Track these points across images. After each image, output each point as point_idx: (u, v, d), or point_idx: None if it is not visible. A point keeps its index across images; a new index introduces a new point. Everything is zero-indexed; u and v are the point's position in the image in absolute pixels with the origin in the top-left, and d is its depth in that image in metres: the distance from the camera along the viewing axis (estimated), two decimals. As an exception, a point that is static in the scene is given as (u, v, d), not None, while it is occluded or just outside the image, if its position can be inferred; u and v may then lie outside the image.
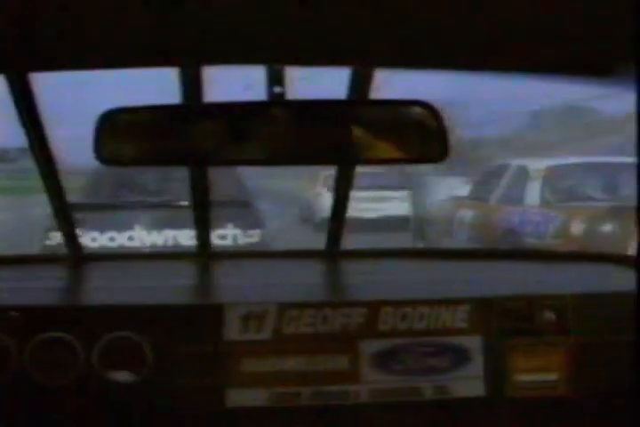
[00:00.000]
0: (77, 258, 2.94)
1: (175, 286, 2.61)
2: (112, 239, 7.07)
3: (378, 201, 17.73)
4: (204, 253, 3.04)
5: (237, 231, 7.05)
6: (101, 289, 2.60)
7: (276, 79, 2.03)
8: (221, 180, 6.74)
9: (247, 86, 2.33)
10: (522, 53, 1.75)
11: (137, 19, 1.53)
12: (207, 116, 2.06)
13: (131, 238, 7.14)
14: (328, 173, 16.35)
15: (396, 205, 17.35)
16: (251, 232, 7.11)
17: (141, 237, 7.14)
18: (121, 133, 2.01)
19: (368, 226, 15.60)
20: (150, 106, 2.04)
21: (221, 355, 2.24)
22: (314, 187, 18.75)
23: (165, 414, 2.26)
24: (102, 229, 7.06)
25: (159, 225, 7.14)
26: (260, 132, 2.01)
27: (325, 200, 15.72)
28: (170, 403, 2.24)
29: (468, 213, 11.02)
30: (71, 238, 2.89)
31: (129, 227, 7.14)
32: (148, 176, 7.80)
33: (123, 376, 2.20)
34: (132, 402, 2.23)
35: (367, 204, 16.73)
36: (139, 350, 2.20)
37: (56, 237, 6.55)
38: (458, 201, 11.58)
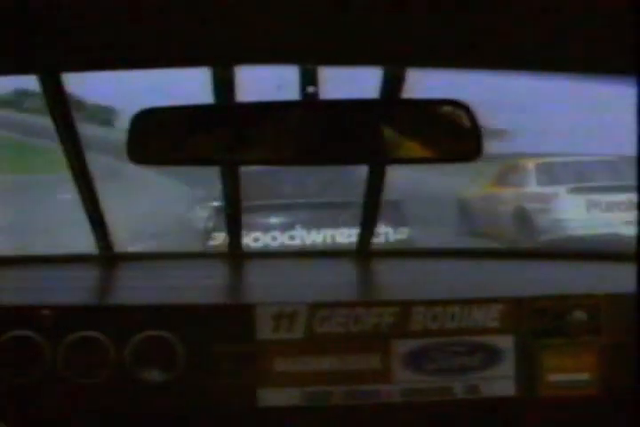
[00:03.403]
0: (109, 258, 2.93)
1: (207, 286, 2.61)
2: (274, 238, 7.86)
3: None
4: (237, 253, 3.03)
5: (389, 229, 7.62)
6: (133, 289, 2.61)
7: (309, 79, 2.03)
8: (346, 179, 7.73)
9: (279, 86, 2.33)
10: (552, 52, 1.73)
11: (168, 19, 1.53)
12: (240, 115, 2.05)
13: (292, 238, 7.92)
14: (542, 160, 12.09)
15: None
16: (400, 229, 7.69)
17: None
18: (153, 133, 2.01)
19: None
20: (183, 106, 2.04)
21: (253, 354, 2.24)
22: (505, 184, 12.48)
23: (196, 413, 2.26)
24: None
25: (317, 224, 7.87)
26: (293, 131, 2.01)
27: (564, 204, 10.78)
28: (201, 402, 2.23)
29: None
30: (103, 238, 2.88)
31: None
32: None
33: (154, 375, 2.20)
34: (163, 401, 2.23)
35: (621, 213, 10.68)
36: (170, 349, 2.20)
37: (219, 238, 7.22)
38: None
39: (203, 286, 2.60)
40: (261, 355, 2.24)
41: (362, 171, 7.90)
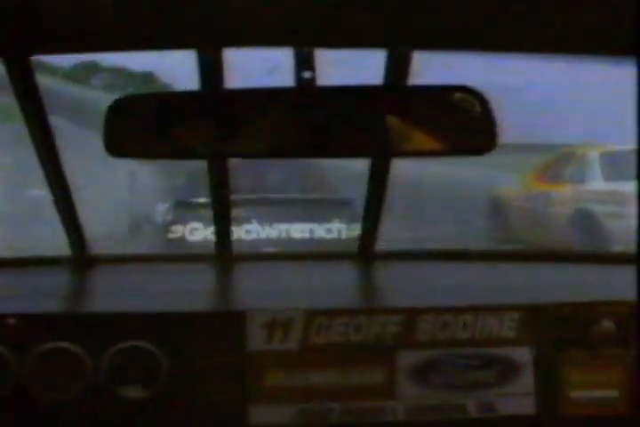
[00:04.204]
0: (84, 260, 2.79)
1: (193, 291, 2.50)
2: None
3: None
4: (225, 255, 2.91)
5: (342, 226, 8.27)
6: (111, 294, 2.49)
7: (305, 63, 1.92)
8: (303, 176, 8.81)
9: (271, 70, 2.23)
10: (554, 33, 1.67)
11: None
12: (229, 104, 1.93)
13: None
14: (608, 148, 9.71)
15: None
16: (354, 226, 7.85)
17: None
18: (133, 123, 1.90)
19: None
20: (165, 93, 2.08)
21: (244, 367, 2.13)
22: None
23: None
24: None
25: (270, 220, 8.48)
26: (288, 121, 1.91)
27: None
28: (186, 420, 2.12)
29: None
30: (77, 237, 2.74)
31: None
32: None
33: (134, 391, 2.08)
34: (143, 419, 2.11)
35: None
36: (152, 361, 2.09)
37: (178, 231, 8.20)
38: None
39: (188, 292, 2.48)
40: (253, 368, 2.13)
41: (322, 166, 8.82)
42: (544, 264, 2.90)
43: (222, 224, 2.86)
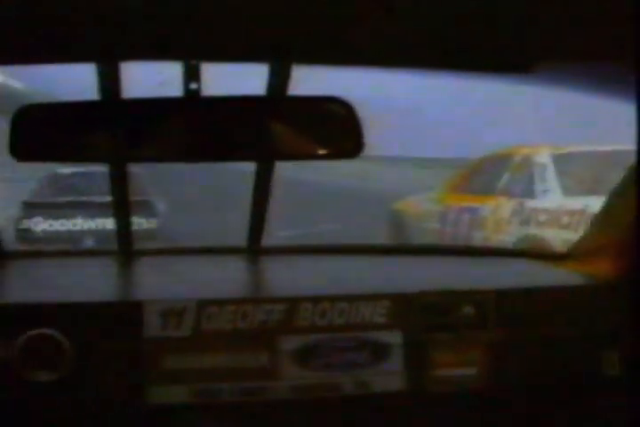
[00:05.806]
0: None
1: (95, 284, 2.57)
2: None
3: None
4: (126, 251, 2.98)
5: (142, 220, 10.00)
6: (19, 286, 2.56)
7: (192, 75, 2.04)
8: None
9: (162, 83, 2.31)
10: (440, 50, 1.77)
11: (51, 11, 1.50)
12: (124, 112, 2.07)
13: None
14: (562, 149, 7.02)
15: None
16: (150, 220, 10.60)
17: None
18: (37, 129, 2.00)
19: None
20: (68, 102, 2.04)
21: (141, 352, 2.21)
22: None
23: (87, 412, 2.22)
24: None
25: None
26: (176, 128, 2.04)
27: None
28: (91, 401, 2.20)
29: None
30: None
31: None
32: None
33: (43, 375, 2.14)
34: (52, 401, 2.18)
35: None
36: (59, 348, 2.15)
37: (25, 224, 10.84)
38: None
39: (91, 284, 2.55)
40: (150, 353, 2.21)
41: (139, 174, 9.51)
42: (417, 258, 3.01)
43: (123, 222, 2.92)
